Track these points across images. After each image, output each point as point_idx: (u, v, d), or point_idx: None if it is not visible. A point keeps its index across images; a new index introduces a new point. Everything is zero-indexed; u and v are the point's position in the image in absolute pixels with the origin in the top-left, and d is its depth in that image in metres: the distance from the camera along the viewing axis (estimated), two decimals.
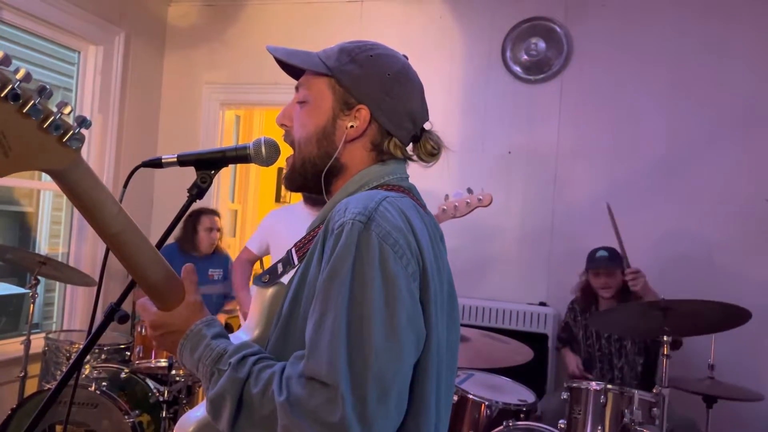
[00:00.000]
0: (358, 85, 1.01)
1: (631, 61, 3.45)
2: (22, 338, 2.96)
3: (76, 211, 3.75)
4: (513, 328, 3.33)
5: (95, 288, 3.31)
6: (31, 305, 2.92)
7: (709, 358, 2.70)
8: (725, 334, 2.64)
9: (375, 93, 1.01)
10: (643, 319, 2.46)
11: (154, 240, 1.00)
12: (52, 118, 0.74)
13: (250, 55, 4.08)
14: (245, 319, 3.18)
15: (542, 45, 3.54)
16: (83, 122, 0.77)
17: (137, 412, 2.74)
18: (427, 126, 1.10)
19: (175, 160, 1.07)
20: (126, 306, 1.28)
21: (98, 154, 3.77)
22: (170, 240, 3.67)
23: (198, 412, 1.01)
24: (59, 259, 3.68)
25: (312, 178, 1.04)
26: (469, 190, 2.54)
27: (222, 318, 3.54)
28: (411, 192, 1.04)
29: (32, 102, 0.72)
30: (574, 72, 3.53)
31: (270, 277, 1.03)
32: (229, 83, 4.12)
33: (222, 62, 4.14)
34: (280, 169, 5.97)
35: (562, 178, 3.48)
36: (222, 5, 4.15)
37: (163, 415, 2.74)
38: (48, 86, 0.75)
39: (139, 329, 2.85)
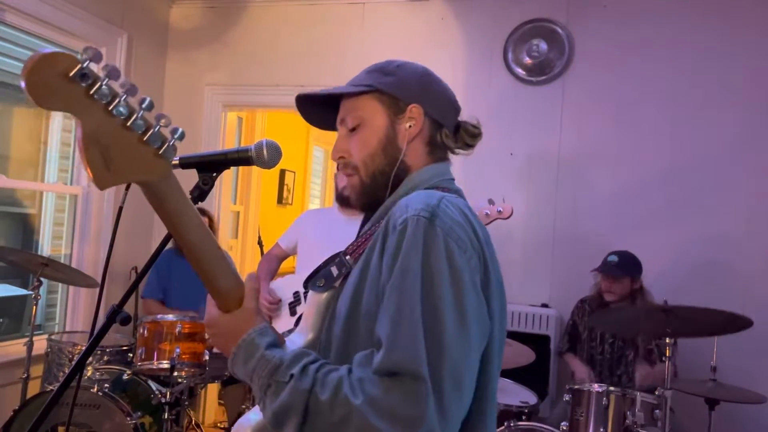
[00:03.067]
0: (401, 88, 1.06)
1: (633, 62, 3.44)
2: (25, 340, 2.97)
3: (78, 213, 3.75)
4: (515, 330, 3.33)
5: (97, 289, 3.32)
6: (34, 307, 2.93)
7: (712, 360, 2.70)
8: (728, 336, 2.63)
9: (418, 90, 1.07)
10: (645, 321, 2.46)
11: (156, 242, 1.01)
12: (152, 130, 0.75)
13: (253, 57, 4.08)
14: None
15: (544, 46, 3.54)
16: (177, 133, 0.78)
17: (139, 413, 2.74)
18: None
19: (177, 162, 1.07)
20: (128, 308, 1.28)
21: None
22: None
23: (254, 414, 1.02)
24: (62, 261, 3.69)
25: (383, 188, 1.06)
26: (491, 201, 2.54)
27: None
28: (459, 194, 1.07)
29: (136, 115, 0.73)
30: (576, 73, 3.52)
31: (325, 281, 1.04)
32: (231, 85, 4.13)
33: (224, 64, 4.15)
34: (281, 171, 5.97)
35: (564, 180, 3.48)
36: (224, 7, 4.16)
37: (165, 416, 2.75)
38: (148, 97, 0.74)
39: (141, 331, 2.86)
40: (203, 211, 3.61)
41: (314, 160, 6.85)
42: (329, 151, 6.47)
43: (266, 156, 1.06)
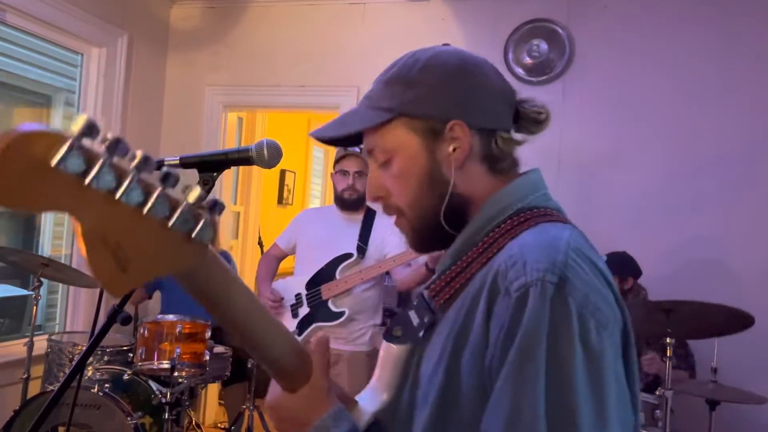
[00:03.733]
0: (432, 103, 0.82)
1: (633, 62, 3.44)
2: (25, 340, 2.97)
3: None
4: None
5: (98, 290, 3.32)
6: (34, 307, 2.93)
7: (713, 361, 2.69)
8: (729, 337, 2.63)
9: (455, 99, 0.83)
10: (646, 321, 2.45)
11: None
12: (179, 211, 0.56)
13: (253, 57, 4.08)
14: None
15: (544, 47, 3.54)
16: (215, 207, 0.59)
17: (140, 413, 2.74)
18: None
19: (178, 162, 1.08)
20: (128, 308, 1.28)
21: None
22: None
23: None
24: (62, 261, 3.69)
25: (440, 229, 0.85)
26: None
27: None
28: (560, 212, 0.85)
29: (155, 197, 0.53)
30: (576, 74, 3.52)
31: (404, 332, 0.85)
32: (231, 85, 4.13)
33: (225, 64, 4.15)
34: (282, 171, 5.97)
35: (565, 180, 3.48)
36: (224, 7, 4.16)
37: (166, 416, 2.75)
38: (173, 170, 0.55)
39: (141, 331, 2.85)
40: None
41: (315, 160, 6.85)
42: (329, 151, 6.48)
43: (267, 156, 1.06)
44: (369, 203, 0.94)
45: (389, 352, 0.86)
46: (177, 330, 2.79)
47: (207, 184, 1.05)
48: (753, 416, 3.07)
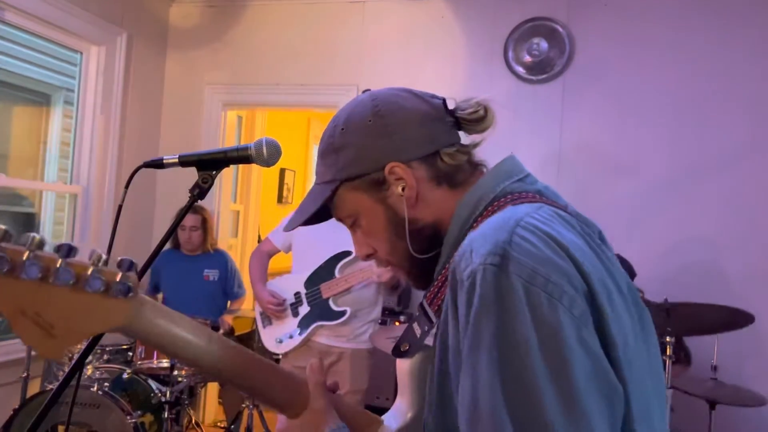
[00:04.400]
0: (361, 159, 0.85)
1: (633, 60, 3.44)
2: None
3: (78, 212, 3.75)
4: None
5: None
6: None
7: (713, 359, 2.70)
8: (729, 335, 2.63)
9: (381, 144, 0.85)
10: None
11: (155, 241, 1.00)
12: (87, 275, 0.63)
13: (252, 56, 4.08)
14: (261, 316, 3.10)
15: (544, 45, 3.53)
16: (126, 266, 0.65)
17: (139, 412, 2.74)
18: (450, 104, 0.91)
19: (177, 160, 1.07)
20: None
21: (100, 155, 3.77)
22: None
23: None
24: None
25: (429, 259, 0.86)
26: None
27: (228, 319, 3.52)
28: (541, 194, 0.84)
29: (56, 268, 0.61)
30: (576, 72, 3.52)
31: (409, 344, 0.86)
32: (231, 84, 4.13)
33: (224, 63, 4.14)
34: (282, 170, 5.97)
35: (565, 179, 3.47)
36: (224, 6, 4.15)
37: (166, 415, 2.75)
38: (68, 244, 0.63)
39: None
40: (197, 208, 3.58)
41: (314, 159, 6.84)
42: None
43: (266, 154, 1.06)
44: (361, 259, 0.95)
45: (402, 368, 0.88)
46: None
47: (206, 183, 1.05)
48: (752, 415, 3.07)
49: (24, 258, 0.60)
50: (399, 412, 0.88)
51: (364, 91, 0.94)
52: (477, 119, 0.89)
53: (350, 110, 0.89)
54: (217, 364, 0.77)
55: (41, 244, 0.61)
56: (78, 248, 0.63)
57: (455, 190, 0.86)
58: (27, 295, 0.61)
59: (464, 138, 0.91)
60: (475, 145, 0.91)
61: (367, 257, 0.92)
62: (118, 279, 0.65)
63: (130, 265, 0.66)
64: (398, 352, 0.87)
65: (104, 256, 0.65)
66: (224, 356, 0.77)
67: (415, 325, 0.86)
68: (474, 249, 0.70)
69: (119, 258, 0.66)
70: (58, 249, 0.62)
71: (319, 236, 2.77)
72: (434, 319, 0.82)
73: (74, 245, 0.63)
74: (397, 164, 0.84)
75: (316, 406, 0.82)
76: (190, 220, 3.51)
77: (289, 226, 0.93)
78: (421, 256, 0.86)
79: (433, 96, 0.91)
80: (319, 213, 0.90)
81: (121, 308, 0.65)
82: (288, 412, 0.83)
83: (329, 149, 0.88)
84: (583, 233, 0.77)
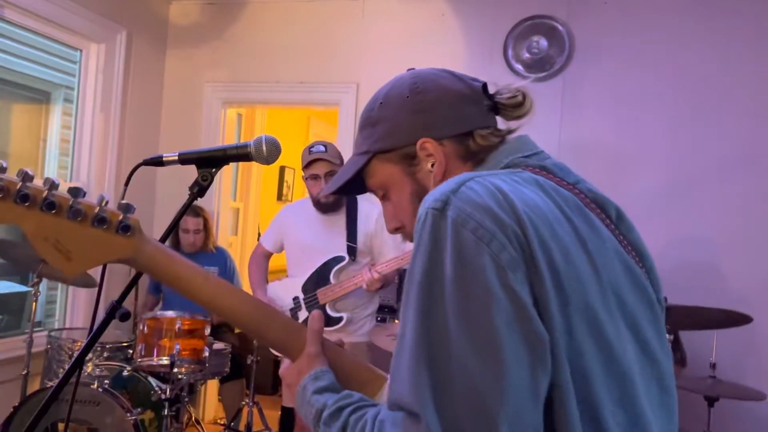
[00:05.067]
0: (396, 133, 0.89)
1: (633, 58, 3.44)
2: (25, 336, 2.97)
3: None
4: None
5: (96, 287, 3.32)
6: (34, 303, 2.93)
7: (711, 356, 2.70)
8: (728, 334, 2.64)
9: (415, 121, 0.88)
10: None
11: (156, 237, 1.00)
12: (94, 214, 0.78)
13: (252, 54, 4.07)
14: None
15: (544, 43, 3.53)
16: (127, 209, 0.80)
17: (139, 409, 2.74)
18: (490, 88, 0.94)
19: (176, 158, 1.07)
20: (127, 305, 1.28)
21: (100, 153, 3.77)
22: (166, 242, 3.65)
23: None
24: None
25: None
26: None
27: None
28: (546, 169, 0.85)
29: (69, 205, 0.76)
30: (576, 70, 3.52)
31: None
32: (230, 81, 4.12)
33: (224, 60, 4.14)
34: (282, 168, 5.97)
35: None
36: (223, 3, 4.15)
37: (165, 412, 2.75)
38: (80, 186, 0.78)
39: (141, 327, 2.86)
40: (199, 210, 3.58)
41: None
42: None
43: (265, 152, 1.06)
44: (390, 233, 0.96)
45: None
46: (176, 326, 2.79)
47: (206, 180, 1.05)
48: (751, 412, 3.08)
49: (43, 195, 0.75)
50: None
51: (408, 70, 0.96)
52: (515, 105, 0.92)
53: (391, 86, 0.93)
54: (213, 299, 0.86)
55: (55, 185, 0.76)
56: (86, 191, 0.79)
57: (480, 169, 0.88)
58: (47, 225, 0.75)
59: (501, 124, 0.94)
60: (510, 131, 0.92)
61: (396, 230, 0.95)
62: (119, 219, 0.79)
63: (129, 208, 0.80)
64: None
65: (107, 198, 0.79)
66: (219, 294, 0.87)
67: None
68: (427, 197, 0.73)
69: (122, 202, 0.80)
70: (71, 191, 0.76)
71: (310, 239, 2.77)
72: None
73: (83, 189, 0.78)
74: (429, 140, 0.87)
75: (309, 351, 0.88)
76: (192, 223, 3.52)
77: (327, 192, 0.99)
78: None
79: (474, 79, 0.93)
80: (354, 183, 0.94)
81: (124, 243, 0.80)
82: (289, 354, 0.91)
83: (367, 122, 0.93)
84: (558, 201, 0.77)
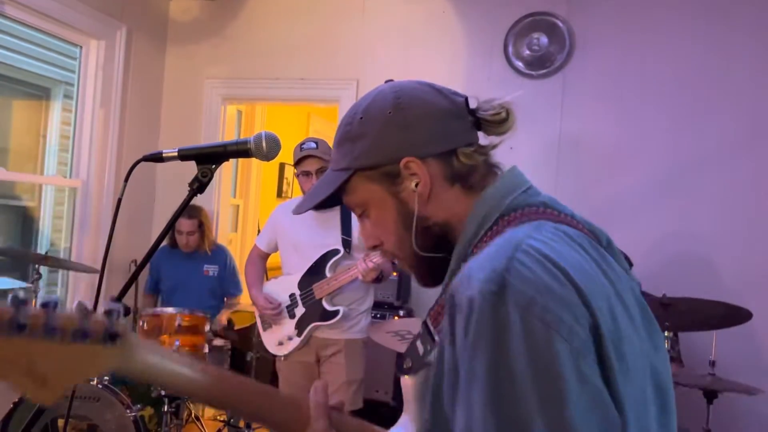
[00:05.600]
0: (378, 150, 0.85)
1: (634, 55, 3.43)
2: None
3: (77, 206, 3.75)
4: None
5: (96, 282, 3.32)
6: (33, 300, 2.93)
7: (711, 354, 2.70)
8: (727, 331, 2.63)
9: (399, 137, 0.84)
10: None
11: (155, 234, 1.00)
12: (74, 328, 0.66)
13: (252, 50, 4.07)
14: (261, 319, 3.10)
15: (544, 40, 3.53)
16: (112, 314, 0.68)
17: (139, 406, 2.75)
18: (472, 103, 0.90)
19: (176, 154, 1.08)
20: (127, 301, 1.28)
21: (100, 149, 3.77)
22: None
23: None
24: (61, 254, 3.69)
25: (438, 259, 0.86)
26: None
27: (222, 318, 3.51)
28: (546, 206, 0.82)
29: (42, 323, 0.64)
30: (576, 67, 3.51)
31: (412, 362, 0.84)
32: (230, 78, 4.12)
33: (224, 57, 4.14)
34: (281, 165, 5.96)
35: (564, 174, 3.48)
36: (223, 0, 4.14)
37: (165, 409, 2.76)
38: (53, 298, 0.67)
39: (140, 323, 2.86)
40: (194, 212, 3.55)
41: None
42: None
43: (265, 148, 1.06)
44: (368, 249, 0.93)
45: (406, 384, 0.88)
46: (176, 323, 2.79)
47: (205, 176, 1.05)
48: (750, 408, 3.08)
49: (9, 317, 0.63)
50: (406, 425, 0.89)
51: (386, 81, 0.93)
52: (498, 121, 0.88)
53: (371, 100, 0.88)
54: (210, 394, 0.80)
55: (24, 301, 0.64)
56: (61, 300, 0.68)
57: (468, 192, 0.86)
58: (18, 351, 0.64)
59: (482, 138, 0.91)
60: (493, 146, 0.90)
61: (374, 248, 0.92)
62: (104, 328, 0.67)
63: (114, 312, 0.68)
64: (401, 368, 0.86)
65: (89, 307, 0.68)
66: (218, 386, 0.79)
67: (418, 343, 0.84)
68: (473, 275, 0.68)
69: (108, 306, 0.69)
70: (44, 305, 0.65)
71: (304, 236, 2.77)
72: (437, 338, 0.80)
73: (57, 299, 0.66)
74: (413, 159, 0.83)
75: (316, 427, 0.81)
76: (186, 225, 3.48)
77: (299, 210, 0.95)
78: (425, 254, 0.86)
79: (456, 93, 0.90)
80: (330, 198, 0.90)
81: (110, 353, 0.68)
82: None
83: (346, 137, 0.88)
84: (588, 247, 0.74)
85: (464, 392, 0.66)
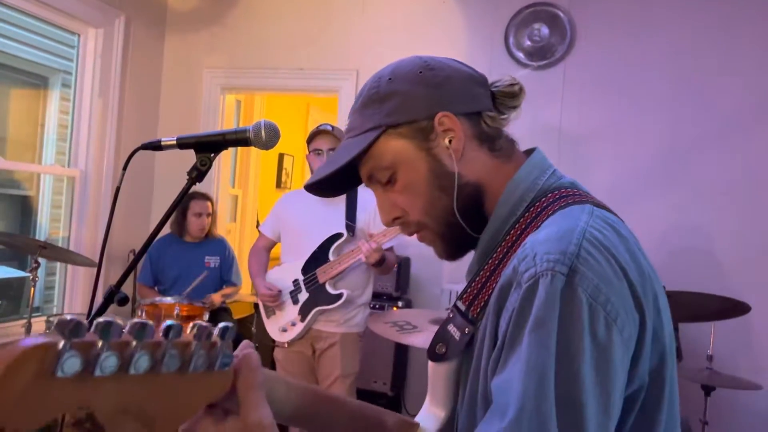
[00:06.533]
0: (411, 106, 0.83)
1: (635, 47, 3.42)
2: (23, 321, 2.97)
3: (76, 195, 3.74)
4: None
5: (95, 271, 3.32)
6: (32, 288, 2.93)
7: (708, 348, 2.71)
8: (725, 325, 2.64)
9: (430, 93, 0.83)
10: None
11: (154, 224, 0.99)
12: (194, 358, 0.56)
13: (251, 40, 4.05)
14: (264, 307, 3.09)
15: (545, 31, 3.51)
16: (226, 332, 0.59)
17: None
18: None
19: (175, 142, 1.07)
20: (126, 290, 1.28)
21: (98, 139, 3.76)
22: (165, 228, 3.65)
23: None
24: (60, 243, 3.69)
25: (462, 229, 0.85)
26: None
27: (216, 298, 3.49)
28: (575, 186, 0.85)
29: (161, 354, 0.53)
30: (577, 58, 3.50)
31: (447, 349, 0.83)
32: (229, 67, 4.10)
33: (223, 46, 4.12)
34: (281, 155, 5.95)
35: (565, 166, 3.46)
36: None
37: None
38: (173, 322, 0.54)
39: (139, 313, 2.86)
40: (203, 196, 3.59)
41: None
42: None
43: (264, 136, 1.05)
44: (386, 225, 0.87)
45: (437, 371, 0.86)
46: (175, 312, 2.79)
47: (204, 165, 1.04)
48: (747, 402, 3.10)
49: (133, 354, 0.51)
50: (432, 413, 0.88)
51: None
52: (512, 94, 0.89)
53: (396, 65, 0.87)
54: (296, 413, 0.77)
55: (145, 328, 0.51)
56: (179, 326, 0.55)
57: (496, 156, 0.86)
58: (133, 392, 0.52)
59: None
60: (508, 119, 0.91)
61: (395, 220, 0.88)
62: (219, 351, 0.59)
63: (228, 332, 0.60)
64: (434, 354, 0.84)
65: (206, 328, 0.57)
66: (303, 403, 0.77)
67: (451, 327, 0.83)
68: (538, 253, 0.70)
69: (219, 326, 0.60)
70: (166, 331, 0.53)
71: (308, 222, 2.77)
72: (476, 323, 0.80)
73: (178, 325, 0.54)
74: (447, 114, 0.83)
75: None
76: (203, 207, 3.55)
77: (314, 178, 0.89)
78: (460, 217, 0.84)
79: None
80: (340, 180, 0.88)
81: (221, 379, 0.60)
82: None
83: (371, 100, 0.85)
84: (629, 236, 0.78)
85: (528, 353, 0.67)
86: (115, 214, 1.26)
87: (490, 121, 0.86)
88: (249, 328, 3.38)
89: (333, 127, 2.71)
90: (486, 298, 0.78)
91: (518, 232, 0.80)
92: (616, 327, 0.68)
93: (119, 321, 0.50)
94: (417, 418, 0.88)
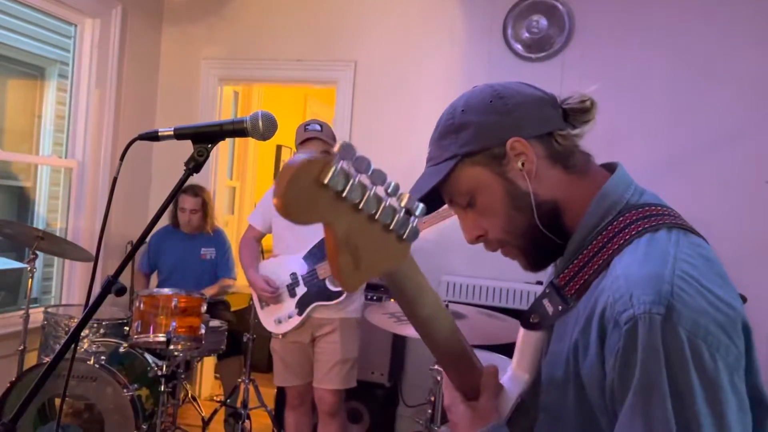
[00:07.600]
0: (485, 135, 0.89)
1: (632, 39, 3.41)
2: (21, 312, 2.98)
3: (73, 186, 3.74)
4: (511, 307, 3.35)
5: (92, 263, 3.32)
6: (30, 279, 2.93)
7: None
8: None
9: (503, 121, 0.89)
10: None
11: (151, 214, 1.00)
12: (397, 218, 0.66)
13: (249, 31, 4.03)
14: (258, 298, 3.09)
15: (544, 22, 3.50)
16: (418, 210, 0.69)
17: (136, 386, 2.76)
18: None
19: (172, 133, 1.07)
20: (124, 280, 1.28)
21: (95, 129, 3.75)
22: (164, 219, 3.65)
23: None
24: (57, 234, 3.68)
25: (545, 239, 0.91)
26: None
27: (210, 291, 3.48)
28: (658, 204, 0.93)
29: (383, 206, 0.64)
30: (575, 50, 3.49)
31: (541, 319, 0.91)
32: (227, 59, 4.09)
33: (220, 37, 4.10)
34: (278, 147, 5.94)
35: None
36: None
37: (162, 389, 2.77)
38: (392, 181, 0.65)
39: (137, 304, 2.86)
40: (194, 191, 3.56)
41: None
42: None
43: (261, 127, 1.06)
44: (470, 243, 0.95)
45: (528, 339, 0.95)
46: (173, 303, 2.80)
47: (201, 155, 1.05)
48: None
49: (368, 194, 0.62)
50: (517, 377, 0.95)
51: (473, 87, 0.97)
52: (584, 110, 0.96)
53: (468, 95, 0.93)
54: (429, 317, 0.82)
55: (382, 178, 0.63)
56: (397, 185, 0.66)
57: (570, 173, 0.92)
58: (357, 227, 0.63)
59: None
60: (581, 135, 0.97)
61: (478, 239, 0.94)
62: (413, 226, 0.68)
63: (421, 210, 0.69)
64: (527, 323, 0.92)
65: (407, 197, 0.67)
66: (435, 314, 0.82)
67: (546, 302, 0.90)
68: (634, 294, 0.75)
69: (413, 203, 0.68)
70: (388, 189, 0.64)
71: None
72: (570, 302, 0.87)
73: (396, 184, 0.66)
74: (518, 139, 0.88)
75: (487, 405, 0.89)
76: (190, 203, 3.50)
77: (417, 194, 0.94)
78: (543, 231, 0.90)
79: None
80: (425, 203, 0.93)
81: (403, 251, 0.70)
82: (459, 384, 0.92)
83: (449, 129, 0.91)
84: (712, 256, 0.84)
85: (642, 400, 0.73)
86: (112, 205, 1.26)
87: (562, 139, 0.92)
88: (247, 319, 3.39)
89: (322, 127, 2.69)
90: (582, 281, 0.85)
91: (610, 234, 0.86)
92: (719, 355, 0.72)
93: (369, 162, 0.61)
94: (502, 380, 0.95)
